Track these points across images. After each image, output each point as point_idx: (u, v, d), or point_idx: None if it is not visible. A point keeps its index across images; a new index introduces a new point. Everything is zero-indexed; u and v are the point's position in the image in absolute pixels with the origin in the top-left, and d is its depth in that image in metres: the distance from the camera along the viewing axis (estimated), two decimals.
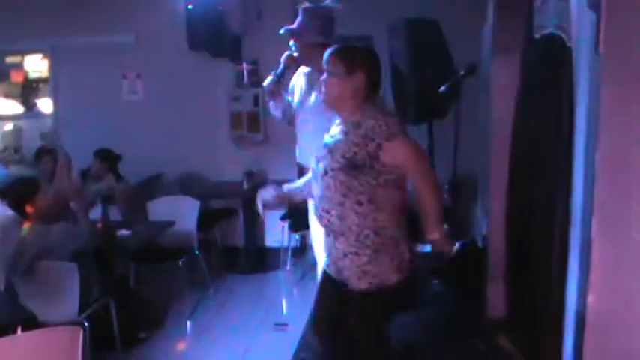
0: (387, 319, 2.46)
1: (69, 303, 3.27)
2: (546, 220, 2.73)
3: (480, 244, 4.00)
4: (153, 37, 5.77)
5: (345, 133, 2.26)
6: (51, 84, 6.34)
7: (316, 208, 2.38)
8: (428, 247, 3.80)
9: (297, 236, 5.60)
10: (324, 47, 3.10)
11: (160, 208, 4.64)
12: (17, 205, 3.33)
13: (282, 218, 5.39)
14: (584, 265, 2.13)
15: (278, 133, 5.51)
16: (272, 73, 3.30)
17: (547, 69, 2.82)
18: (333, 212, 2.28)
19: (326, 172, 2.28)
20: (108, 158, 4.95)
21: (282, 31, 3.15)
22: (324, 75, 2.33)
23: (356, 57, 2.30)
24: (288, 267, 5.38)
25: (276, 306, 4.64)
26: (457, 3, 4.74)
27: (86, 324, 3.24)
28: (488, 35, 3.64)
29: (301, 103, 3.27)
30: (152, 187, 5.63)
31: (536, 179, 2.95)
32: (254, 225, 5.63)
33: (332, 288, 2.42)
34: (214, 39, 5.46)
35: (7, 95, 6.57)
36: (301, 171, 3.19)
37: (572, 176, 2.34)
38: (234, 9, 5.49)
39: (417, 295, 3.85)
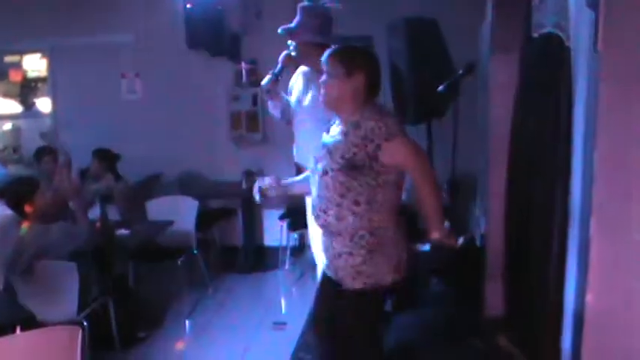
0: (381, 319, 2.47)
1: (68, 302, 3.27)
2: (545, 219, 2.73)
3: (478, 243, 4.00)
4: (152, 37, 5.75)
5: (345, 134, 2.25)
6: (49, 83, 6.33)
7: (314, 207, 2.38)
8: (427, 247, 3.83)
9: (295, 235, 5.60)
10: (322, 47, 3.10)
11: (159, 208, 4.64)
12: (16, 205, 3.33)
13: (281, 217, 5.39)
14: (582, 265, 2.13)
15: (277, 133, 5.52)
16: (270, 72, 3.30)
17: (546, 67, 2.82)
18: (330, 212, 2.28)
19: (325, 172, 2.27)
20: (107, 158, 4.95)
21: (280, 30, 3.15)
22: (324, 76, 2.33)
23: (355, 58, 2.29)
24: (287, 266, 5.38)
25: (275, 305, 4.64)
26: (456, 2, 4.73)
27: (85, 323, 3.25)
28: (486, 34, 3.64)
29: (299, 102, 3.27)
30: (151, 186, 5.63)
31: (534, 178, 2.95)
32: (253, 224, 5.63)
33: (331, 288, 2.42)
34: (213, 38, 5.45)
35: (6, 95, 6.56)
36: (299, 170, 3.18)
37: (570, 175, 2.34)
38: (234, 8, 5.48)
39: (415, 294, 3.85)
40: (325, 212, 2.30)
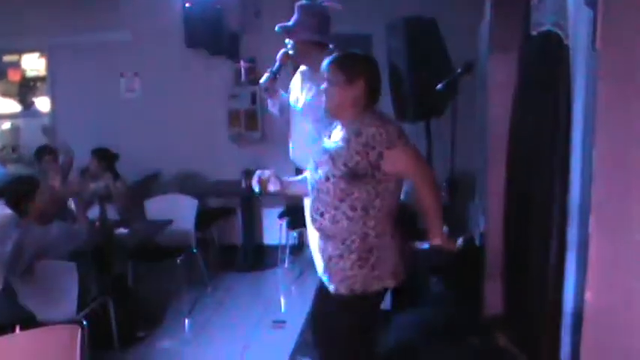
0: (373, 324, 2.47)
1: (67, 302, 3.26)
2: (544, 218, 2.73)
3: (477, 242, 4.01)
4: (150, 35, 5.75)
5: (347, 140, 2.24)
6: (48, 82, 6.32)
7: (311, 210, 2.38)
8: (427, 245, 3.83)
9: (294, 234, 5.60)
10: (320, 45, 3.11)
11: (158, 207, 4.64)
12: (15, 204, 3.32)
13: (280, 216, 5.39)
14: (581, 263, 2.13)
15: (276, 131, 5.51)
16: (268, 70, 3.30)
17: (544, 66, 2.82)
18: (326, 215, 2.28)
19: (327, 179, 2.26)
20: (105, 157, 4.94)
21: (277, 28, 3.15)
22: (325, 84, 2.33)
23: (355, 65, 2.29)
24: (286, 265, 5.38)
25: (275, 304, 4.64)
26: (455, 2, 4.74)
27: (84, 323, 3.24)
28: (485, 33, 3.64)
29: (297, 101, 3.27)
30: (150, 185, 5.63)
31: (533, 177, 2.95)
32: (252, 223, 5.63)
33: (325, 290, 2.43)
34: (212, 37, 5.45)
35: (5, 94, 6.56)
36: (298, 169, 3.18)
37: (569, 174, 2.35)
38: (233, 7, 5.48)
39: (414, 294, 3.86)
40: (322, 215, 2.30)
